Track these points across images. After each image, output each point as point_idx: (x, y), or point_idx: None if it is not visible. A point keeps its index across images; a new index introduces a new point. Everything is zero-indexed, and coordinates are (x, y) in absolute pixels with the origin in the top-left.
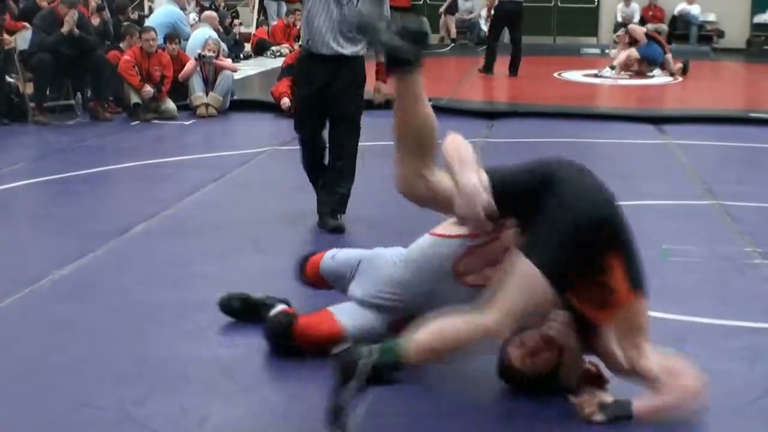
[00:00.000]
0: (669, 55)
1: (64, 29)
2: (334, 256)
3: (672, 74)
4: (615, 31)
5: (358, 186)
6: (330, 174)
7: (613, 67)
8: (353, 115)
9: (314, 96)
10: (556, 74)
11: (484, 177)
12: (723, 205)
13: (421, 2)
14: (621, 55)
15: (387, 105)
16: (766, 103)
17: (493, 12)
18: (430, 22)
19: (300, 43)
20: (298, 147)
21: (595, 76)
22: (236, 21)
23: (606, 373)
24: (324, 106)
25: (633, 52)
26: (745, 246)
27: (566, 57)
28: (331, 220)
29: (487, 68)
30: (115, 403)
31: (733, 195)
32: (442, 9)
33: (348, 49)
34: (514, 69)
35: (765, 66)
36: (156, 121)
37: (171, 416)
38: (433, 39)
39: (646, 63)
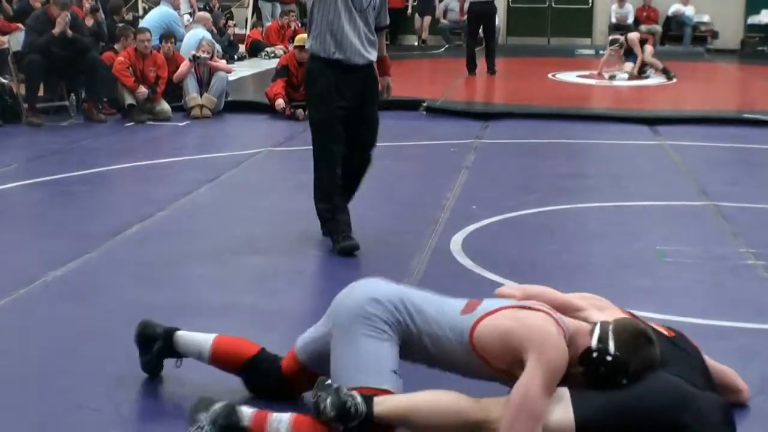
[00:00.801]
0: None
1: (56, 30)
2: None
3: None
4: (610, 32)
5: None
6: (352, 178)
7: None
8: (377, 121)
9: (347, 108)
10: (550, 75)
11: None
12: (717, 205)
13: (416, 2)
14: (628, 64)
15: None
16: (759, 103)
17: (466, 13)
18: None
19: (315, 54)
20: (292, 148)
21: (610, 78)
22: (230, 22)
23: None
24: (349, 119)
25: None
26: (739, 246)
27: (561, 58)
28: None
29: (469, 68)
30: (110, 404)
31: (727, 196)
32: (438, 14)
33: (373, 55)
34: (490, 67)
35: (759, 67)
36: (150, 122)
37: (166, 418)
38: (411, 40)
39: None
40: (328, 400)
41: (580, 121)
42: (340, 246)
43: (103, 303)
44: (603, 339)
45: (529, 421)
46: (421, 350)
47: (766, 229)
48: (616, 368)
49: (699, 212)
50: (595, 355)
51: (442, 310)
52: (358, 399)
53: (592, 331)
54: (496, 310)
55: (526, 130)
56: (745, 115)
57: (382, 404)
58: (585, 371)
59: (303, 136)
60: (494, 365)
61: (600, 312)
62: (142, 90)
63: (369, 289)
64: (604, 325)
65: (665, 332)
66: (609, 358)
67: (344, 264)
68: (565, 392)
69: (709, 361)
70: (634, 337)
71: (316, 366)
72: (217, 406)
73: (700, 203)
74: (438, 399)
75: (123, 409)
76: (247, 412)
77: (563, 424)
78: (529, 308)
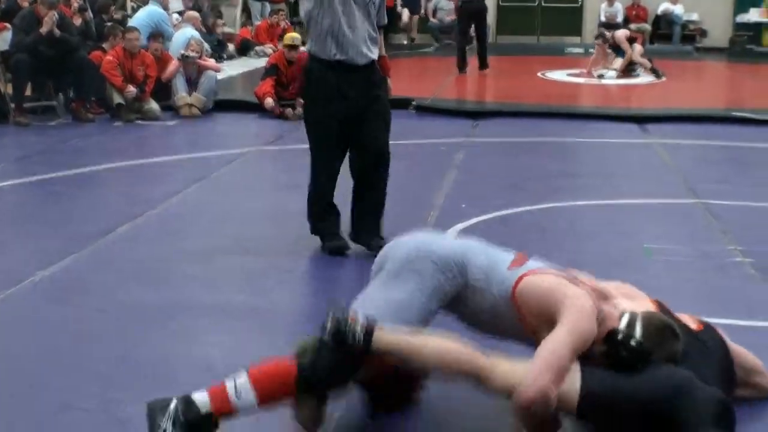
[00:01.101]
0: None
1: (43, 29)
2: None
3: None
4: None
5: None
6: (371, 184)
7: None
8: (388, 118)
9: (351, 108)
10: (540, 74)
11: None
12: (705, 203)
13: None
14: (617, 62)
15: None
16: (748, 102)
17: (458, 11)
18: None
19: (316, 55)
20: (281, 148)
21: (599, 76)
22: (219, 21)
23: None
24: (353, 122)
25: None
26: (727, 244)
27: (550, 56)
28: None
29: (459, 67)
30: (100, 404)
31: (716, 194)
32: (426, 12)
33: (375, 53)
34: (483, 63)
35: (747, 65)
36: (139, 122)
37: None
38: (401, 38)
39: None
40: (329, 324)
41: (569, 119)
42: (331, 245)
43: (93, 302)
44: (631, 325)
45: (556, 375)
46: (463, 301)
47: (754, 227)
48: (638, 355)
49: (688, 210)
50: (620, 337)
51: (493, 263)
52: (358, 329)
53: (621, 317)
54: (543, 271)
55: (515, 129)
56: (734, 114)
57: (383, 338)
58: (606, 351)
59: (293, 136)
60: (528, 321)
61: (630, 301)
62: (131, 89)
63: (425, 243)
64: (634, 314)
65: (694, 325)
66: (633, 344)
67: (335, 263)
68: (576, 365)
69: (736, 349)
70: (660, 329)
71: None
72: (174, 404)
73: (689, 201)
74: (443, 343)
75: (113, 410)
76: (202, 397)
77: (569, 394)
78: (573, 280)
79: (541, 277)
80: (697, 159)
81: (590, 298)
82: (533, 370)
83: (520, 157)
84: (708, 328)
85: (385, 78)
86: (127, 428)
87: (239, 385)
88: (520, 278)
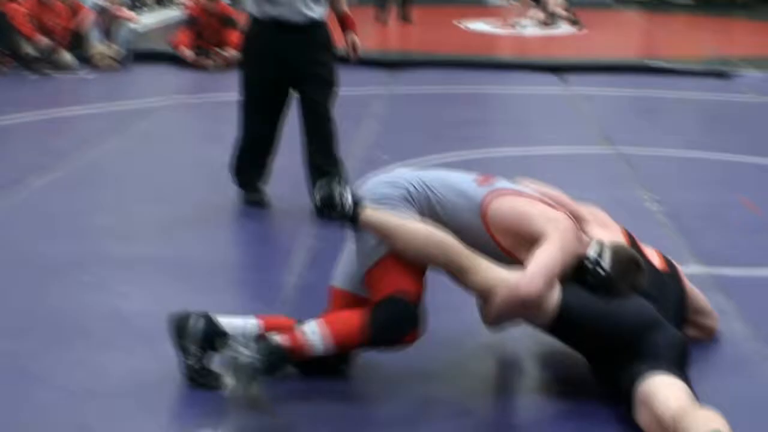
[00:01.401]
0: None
1: None
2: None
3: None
4: None
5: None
6: (317, 157)
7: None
8: (327, 80)
9: (285, 72)
10: (459, 24)
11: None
12: (620, 151)
13: None
14: (536, 13)
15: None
16: (663, 51)
17: None
18: None
19: (252, 15)
20: (201, 100)
21: (517, 26)
22: None
23: None
24: (290, 83)
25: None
26: (641, 192)
27: (470, 7)
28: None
29: (380, 18)
30: (11, 356)
31: (630, 142)
32: None
33: (317, 12)
34: (405, 16)
35: (662, 16)
36: (54, 74)
37: (69, 369)
38: None
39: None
40: (320, 190)
41: (488, 69)
42: (250, 198)
43: (3, 255)
44: (600, 254)
45: (549, 281)
46: (434, 220)
47: (666, 175)
48: (603, 282)
49: (603, 158)
50: (588, 265)
51: (456, 178)
52: (349, 197)
53: (591, 244)
54: (517, 193)
55: (435, 79)
56: (649, 63)
57: (372, 213)
58: (574, 276)
59: (213, 87)
60: (500, 240)
61: (602, 229)
62: (44, 40)
63: (384, 176)
64: (602, 243)
65: (658, 262)
66: (600, 271)
67: (253, 215)
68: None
69: (691, 290)
70: (626, 262)
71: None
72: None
73: (604, 150)
74: (431, 229)
75: (23, 362)
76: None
77: (549, 302)
78: (550, 205)
79: (517, 201)
80: (614, 108)
81: (571, 222)
82: (531, 271)
83: (439, 107)
84: (671, 267)
85: (330, 40)
86: (37, 379)
87: (311, 324)
88: (492, 197)
